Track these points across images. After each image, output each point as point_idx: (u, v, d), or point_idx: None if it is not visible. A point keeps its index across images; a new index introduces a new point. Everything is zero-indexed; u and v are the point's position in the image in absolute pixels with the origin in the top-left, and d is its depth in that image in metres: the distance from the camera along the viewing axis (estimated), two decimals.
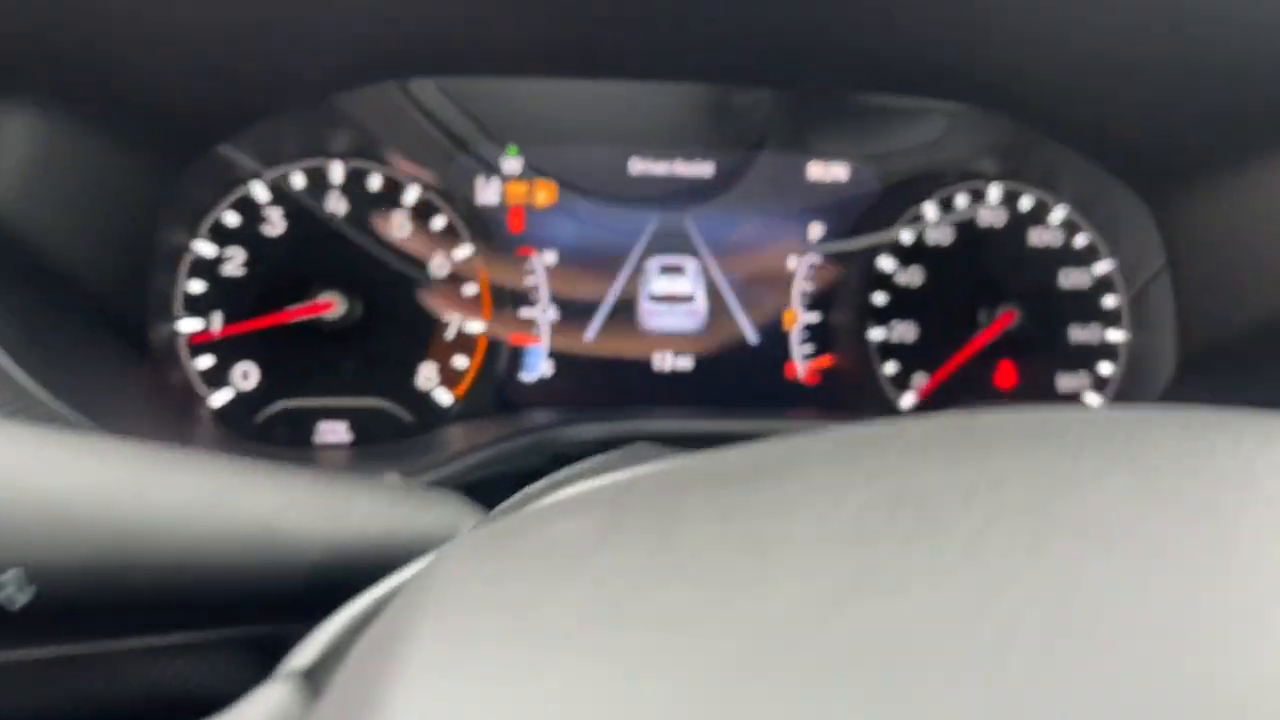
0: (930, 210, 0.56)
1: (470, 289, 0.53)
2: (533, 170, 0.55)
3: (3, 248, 0.40)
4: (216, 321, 0.50)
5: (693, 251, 0.56)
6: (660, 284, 0.56)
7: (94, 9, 0.39)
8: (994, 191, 0.56)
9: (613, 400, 0.53)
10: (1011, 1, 0.43)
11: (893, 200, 0.56)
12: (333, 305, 0.50)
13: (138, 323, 0.48)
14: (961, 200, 0.56)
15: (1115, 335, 0.56)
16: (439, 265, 0.53)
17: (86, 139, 0.44)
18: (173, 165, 0.48)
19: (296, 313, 0.50)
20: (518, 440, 0.45)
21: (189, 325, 0.50)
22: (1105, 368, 0.56)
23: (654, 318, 0.56)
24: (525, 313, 0.54)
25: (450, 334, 0.53)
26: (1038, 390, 0.55)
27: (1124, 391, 0.55)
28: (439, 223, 0.53)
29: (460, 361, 0.53)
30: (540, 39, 0.48)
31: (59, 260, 0.42)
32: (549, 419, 0.48)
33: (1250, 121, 0.48)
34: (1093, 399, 0.56)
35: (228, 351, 0.51)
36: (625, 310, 0.55)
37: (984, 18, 0.45)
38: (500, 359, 0.53)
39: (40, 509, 0.21)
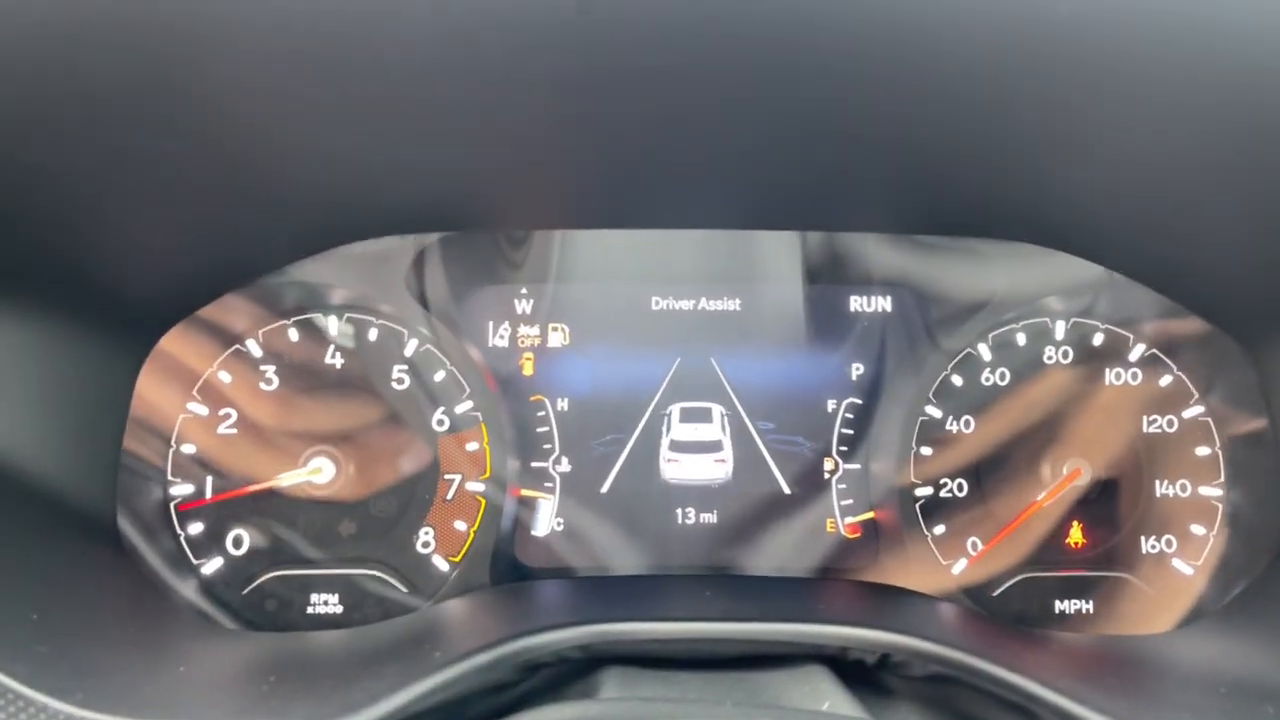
0: (985, 350, 0.49)
1: (471, 445, 0.50)
2: (545, 314, 0.51)
3: None
4: (209, 487, 0.49)
5: (720, 395, 0.52)
6: (683, 431, 0.52)
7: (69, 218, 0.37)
8: (1060, 328, 0.49)
9: (624, 562, 0.49)
10: (1067, 142, 0.38)
11: (944, 337, 0.50)
12: (323, 470, 0.48)
13: (103, 504, 0.47)
14: (1022, 338, 0.49)
15: (1210, 491, 0.49)
16: (439, 420, 0.50)
17: (61, 327, 0.43)
18: (154, 332, 0.47)
19: (287, 478, 0.47)
20: (496, 650, 0.41)
21: (180, 490, 0.49)
22: (1198, 529, 0.48)
23: (676, 468, 0.51)
24: (535, 465, 0.50)
25: (450, 494, 0.50)
26: (1115, 555, 0.48)
27: (1226, 557, 0.47)
28: (439, 375, 0.50)
29: (459, 525, 0.49)
30: (556, 194, 0.45)
31: (19, 456, 0.41)
32: (531, 624, 0.44)
33: None
34: (1183, 567, 0.48)
35: (217, 518, 0.49)
36: (644, 460, 0.51)
37: (1039, 159, 0.39)
38: (500, 521, 0.49)
39: None
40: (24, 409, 0.41)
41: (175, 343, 0.48)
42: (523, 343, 0.51)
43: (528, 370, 0.51)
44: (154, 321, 0.46)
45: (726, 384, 0.52)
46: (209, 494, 0.48)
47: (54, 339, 0.43)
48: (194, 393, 0.49)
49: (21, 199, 0.36)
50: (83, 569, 0.42)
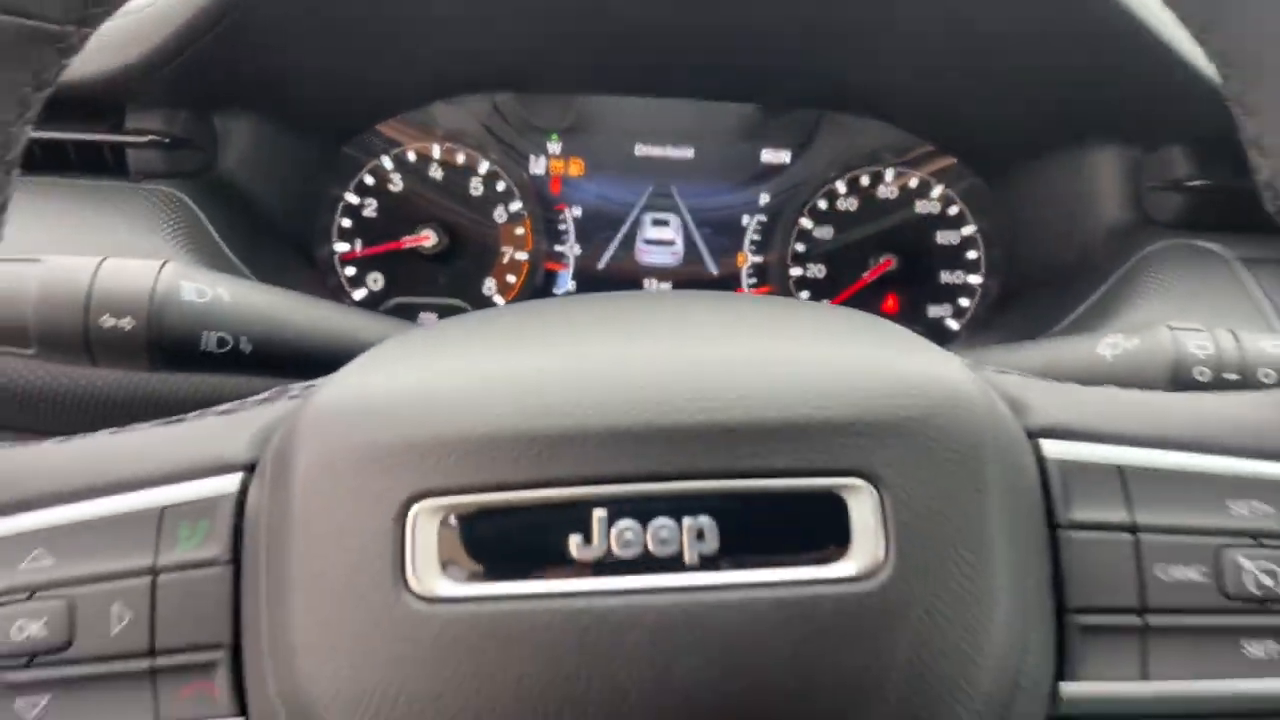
0: (841, 186, 0.78)
1: (519, 230, 0.79)
2: (568, 152, 0.80)
3: (235, 204, 0.68)
4: (359, 245, 0.78)
5: (676, 210, 0.81)
6: (652, 232, 0.81)
7: (287, 51, 0.66)
8: (889, 173, 0.78)
9: None
10: (880, 40, 0.66)
11: (816, 178, 0.78)
12: (429, 238, 0.77)
13: (309, 247, 0.77)
14: (865, 179, 0.78)
15: (974, 279, 0.78)
16: (500, 214, 0.79)
17: (280, 132, 0.72)
18: (334, 145, 0.76)
19: (407, 242, 0.77)
20: None
21: (341, 247, 0.78)
22: (964, 301, 0.78)
23: (646, 255, 0.80)
24: (558, 248, 0.80)
25: (505, 260, 0.79)
26: (913, 316, 0.78)
27: (974, 317, 0.77)
28: (501, 186, 0.79)
29: (511, 279, 0.79)
30: (575, 66, 0.73)
31: (267, 208, 0.71)
32: None
33: (1044, 128, 0.69)
34: (952, 324, 0.78)
35: (362, 267, 0.78)
36: (626, 248, 0.80)
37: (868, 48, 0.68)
38: (537, 278, 0.79)
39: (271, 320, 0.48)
40: (271, 181, 0.71)
41: (341, 155, 0.77)
42: (553, 170, 0.80)
43: (555, 189, 0.80)
44: (334, 135, 0.76)
45: (680, 204, 0.80)
46: (359, 249, 0.78)
47: (269, 146, 0.72)
48: (352, 187, 0.78)
49: (246, 41, 0.64)
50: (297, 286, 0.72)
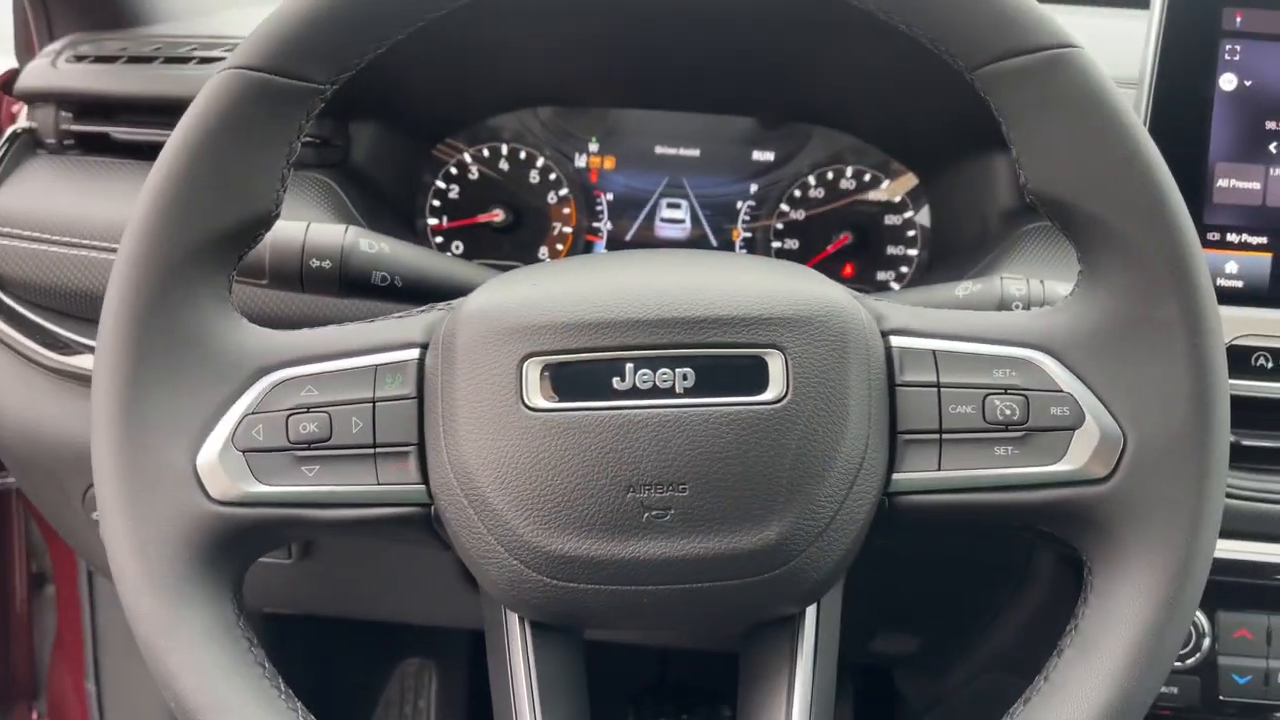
0: (812, 179, 1.02)
1: (566, 210, 1.03)
2: (604, 150, 1.04)
3: (364, 188, 0.92)
4: (444, 220, 1.03)
5: (686, 197, 1.03)
6: (667, 213, 1.03)
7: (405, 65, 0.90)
8: (849, 170, 1.02)
9: None
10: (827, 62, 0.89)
11: (792, 173, 1.02)
12: (498, 215, 1.01)
13: (411, 221, 1.01)
14: (830, 174, 1.01)
15: (911, 252, 1.01)
16: (551, 197, 1.03)
17: (392, 135, 0.96)
18: (428, 145, 1.00)
19: (483, 218, 1.01)
20: None
21: (432, 221, 1.02)
22: (904, 269, 1.01)
23: (662, 230, 1.02)
24: (595, 224, 1.04)
25: (555, 232, 1.02)
26: (865, 278, 1.01)
27: (910, 280, 1.00)
28: (553, 175, 1.03)
29: (559, 247, 1.02)
30: (612, 86, 0.97)
31: (384, 192, 0.95)
32: None
33: (961, 141, 0.92)
34: (894, 285, 1.01)
35: (448, 236, 1.02)
36: (647, 225, 1.02)
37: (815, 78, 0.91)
38: (579, 247, 1.02)
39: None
40: (384, 169, 0.94)
41: (432, 151, 1.01)
42: (592, 165, 1.04)
43: (594, 179, 1.04)
44: (429, 138, 1.00)
45: (689, 192, 1.03)
46: (445, 223, 1.02)
47: (385, 145, 0.96)
48: (440, 175, 1.02)
49: (379, 67, 0.89)
50: None
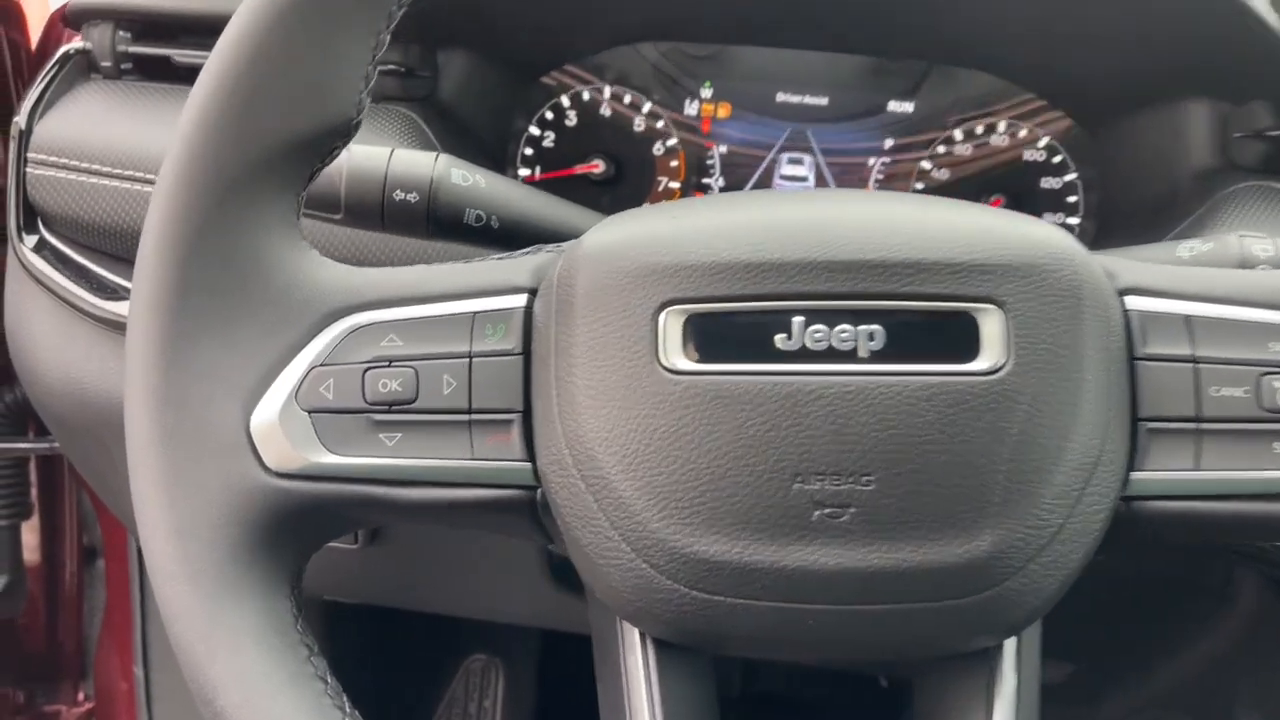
0: (958, 133, 0.89)
1: (674, 163, 0.92)
2: (718, 96, 0.92)
3: (450, 125, 0.82)
4: (538, 170, 0.92)
5: (810, 151, 0.92)
6: (787, 169, 0.92)
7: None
8: (1001, 124, 0.88)
9: None
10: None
11: (935, 126, 0.89)
12: (598, 166, 0.90)
13: (500, 169, 0.90)
14: (979, 128, 0.89)
15: (1073, 220, 0.88)
16: (658, 148, 0.92)
17: (484, 68, 0.85)
18: (523, 83, 0.90)
19: (581, 168, 0.90)
20: None
21: (524, 171, 0.92)
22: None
23: (782, 189, 0.92)
24: (705, 180, 0.92)
25: (660, 188, 0.91)
26: None
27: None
28: (660, 123, 0.91)
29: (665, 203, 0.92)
30: (727, 19, 0.85)
31: (472, 132, 0.84)
32: None
33: (1142, 84, 0.78)
34: None
35: (542, 187, 0.91)
36: (764, 183, 0.92)
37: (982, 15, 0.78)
38: None
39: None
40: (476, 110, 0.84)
41: (527, 91, 0.91)
42: (704, 112, 0.92)
43: (705, 128, 0.92)
44: (524, 75, 0.89)
45: (814, 145, 0.92)
46: (538, 174, 0.92)
47: (476, 80, 0.85)
48: (534, 120, 0.92)
49: None
50: None
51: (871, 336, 0.42)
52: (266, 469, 0.43)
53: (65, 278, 0.74)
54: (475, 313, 0.46)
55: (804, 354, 0.43)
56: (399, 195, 0.57)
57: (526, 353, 0.46)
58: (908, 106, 0.89)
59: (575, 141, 0.91)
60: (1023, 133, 0.88)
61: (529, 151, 0.91)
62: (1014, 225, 0.45)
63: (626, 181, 0.91)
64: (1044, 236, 0.45)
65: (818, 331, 0.43)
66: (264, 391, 0.43)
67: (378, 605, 1.00)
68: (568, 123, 0.91)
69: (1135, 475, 0.44)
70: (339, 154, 0.48)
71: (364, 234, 0.67)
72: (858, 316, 0.43)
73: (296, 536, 0.45)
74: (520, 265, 0.48)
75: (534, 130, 0.91)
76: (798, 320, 0.43)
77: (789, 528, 0.42)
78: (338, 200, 0.57)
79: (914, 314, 0.43)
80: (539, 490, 0.45)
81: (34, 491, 1.17)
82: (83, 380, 0.75)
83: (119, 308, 0.72)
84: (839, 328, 0.42)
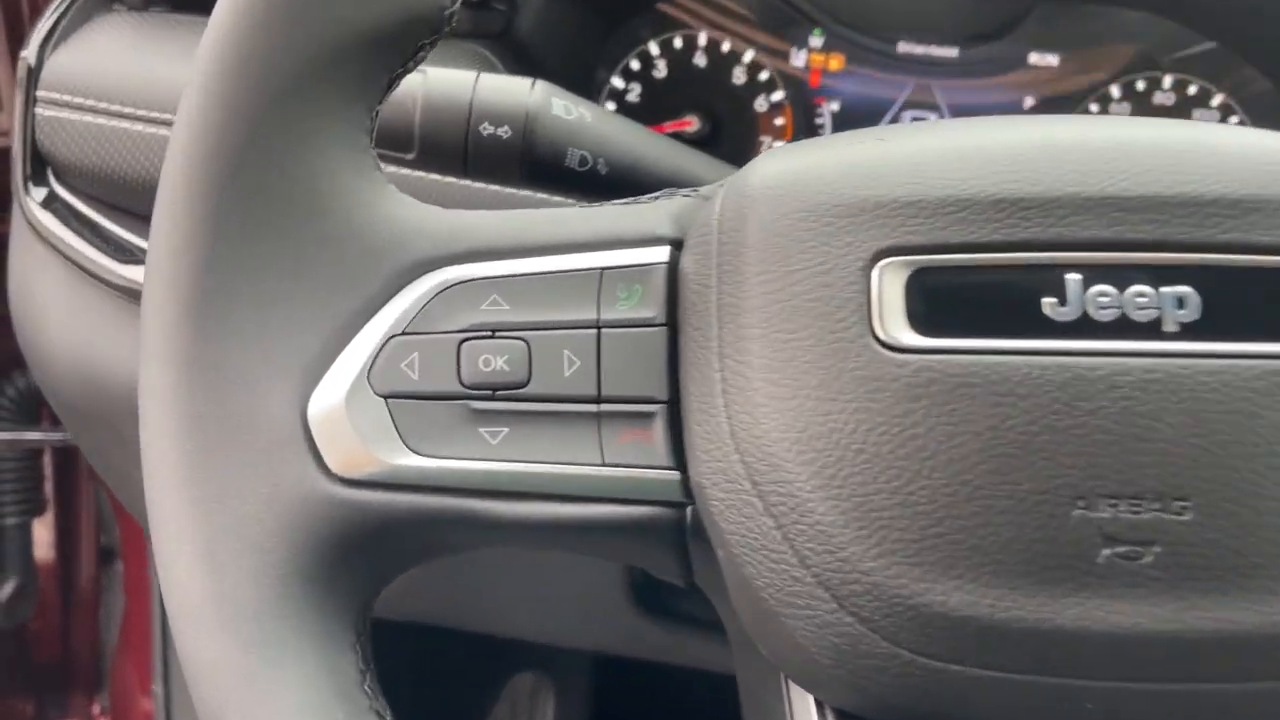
0: (1114, 90, 0.76)
1: (779, 120, 0.79)
2: (829, 46, 0.80)
3: (526, 67, 0.70)
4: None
5: (937, 110, 0.80)
6: None
7: None
8: (1167, 79, 0.76)
9: None
10: None
11: (1087, 83, 0.77)
12: (692, 124, 0.78)
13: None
14: (1141, 84, 0.76)
15: None
16: (760, 104, 0.79)
17: (564, 4, 0.74)
18: (607, 23, 0.78)
19: (671, 126, 0.78)
20: None
21: None
22: None
23: None
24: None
25: (763, 149, 0.80)
26: None
27: None
28: (764, 75, 0.79)
29: None
30: None
31: (550, 75, 0.73)
32: None
33: None
34: None
35: None
36: None
37: None
38: None
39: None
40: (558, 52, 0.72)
41: (608, 39, 0.79)
42: (813, 64, 0.80)
43: (814, 83, 0.80)
44: (608, 14, 0.77)
45: (941, 104, 0.79)
46: None
47: (555, 15, 0.73)
48: (617, 70, 0.80)
49: None
50: None
51: (1180, 303, 0.30)
52: (328, 474, 0.33)
53: (77, 238, 0.62)
54: (604, 269, 0.34)
55: (1085, 326, 0.31)
56: (487, 129, 0.46)
57: (671, 323, 0.34)
58: (1052, 59, 0.77)
59: (665, 95, 0.79)
60: (1192, 89, 0.75)
61: (612, 106, 0.79)
62: None
63: (723, 141, 0.79)
64: None
65: (1103, 295, 0.31)
66: (325, 369, 0.33)
67: (422, 623, 0.89)
68: (656, 74, 0.79)
69: None
70: (424, 56, 0.36)
71: (436, 183, 0.55)
72: (1160, 275, 0.30)
73: (366, 565, 0.34)
74: (657, 210, 0.36)
75: (617, 82, 0.79)
76: (1074, 279, 0.31)
77: (1065, 572, 0.30)
78: (410, 135, 0.46)
79: (1240, 272, 0.30)
80: (689, 509, 0.34)
81: (49, 486, 1.07)
82: (95, 358, 0.64)
83: (139, 273, 0.60)
84: (1134, 290, 0.30)
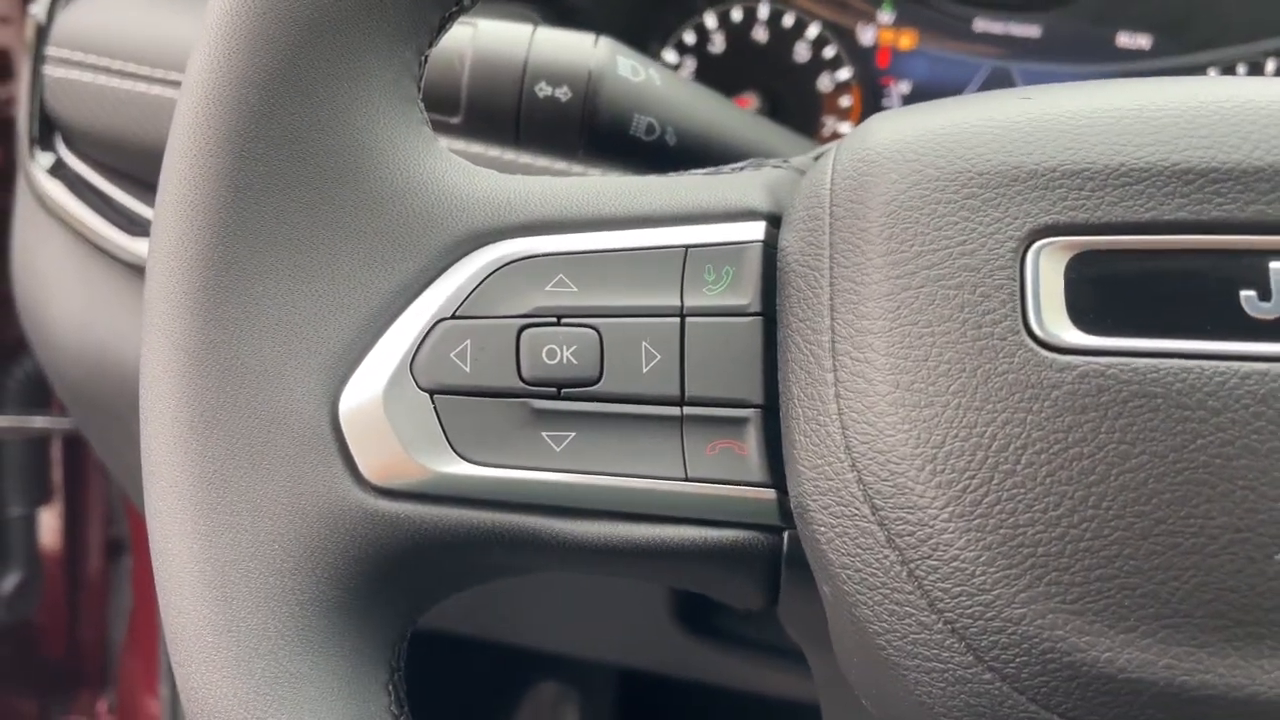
0: (1213, 74, 0.70)
1: (846, 101, 0.74)
2: (900, 21, 0.74)
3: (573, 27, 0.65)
4: None
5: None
6: None
7: None
8: (1271, 64, 0.69)
9: None
10: None
11: (1184, 65, 0.71)
12: (750, 102, 0.72)
13: None
14: (1241, 69, 0.70)
15: None
16: (825, 83, 0.74)
17: None
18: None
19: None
20: None
21: None
22: None
23: None
24: None
25: (826, 131, 0.74)
26: None
27: None
28: (829, 53, 0.74)
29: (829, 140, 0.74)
30: None
31: None
32: None
33: None
34: None
35: None
36: None
37: None
38: None
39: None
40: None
41: (659, 9, 0.73)
42: (882, 41, 0.74)
43: (883, 62, 0.74)
44: None
45: (1020, 86, 0.74)
46: None
47: None
48: (670, 43, 0.74)
49: None
50: None
51: None
52: (361, 482, 0.28)
53: (85, 208, 0.57)
54: (689, 246, 0.29)
55: None
56: (544, 90, 0.40)
57: (769, 313, 0.29)
58: (1144, 40, 0.71)
59: (722, 71, 0.73)
60: None
61: None
62: None
63: (786, 121, 0.73)
64: None
65: None
66: (360, 359, 0.28)
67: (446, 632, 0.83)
68: (712, 48, 0.73)
69: None
70: (475, 2, 0.31)
71: (482, 156, 0.50)
72: None
73: (402, 592, 0.28)
74: (749, 181, 0.31)
75: (670, 57, 0.74)
76: (1278, 268, 0.25)
77: (1265, 629, 0.24)
78: (456, 96, 0.40)
79: None
80: (786, 535, 0.28)
81: (57, 474, 1.02)
82: (102, 340, 0.59)
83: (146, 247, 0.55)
84: None
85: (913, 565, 0.26)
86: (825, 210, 0.29)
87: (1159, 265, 0.26)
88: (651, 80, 0.42)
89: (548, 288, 0.29)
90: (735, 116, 0.44)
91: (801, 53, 0.73)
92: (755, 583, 0.30)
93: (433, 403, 0.28)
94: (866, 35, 0.74)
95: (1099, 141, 0.26)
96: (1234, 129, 0.26)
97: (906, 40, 0.75)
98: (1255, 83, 0.30)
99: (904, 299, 0.26)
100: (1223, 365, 0.25)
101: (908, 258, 0.27)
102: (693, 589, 0.32)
